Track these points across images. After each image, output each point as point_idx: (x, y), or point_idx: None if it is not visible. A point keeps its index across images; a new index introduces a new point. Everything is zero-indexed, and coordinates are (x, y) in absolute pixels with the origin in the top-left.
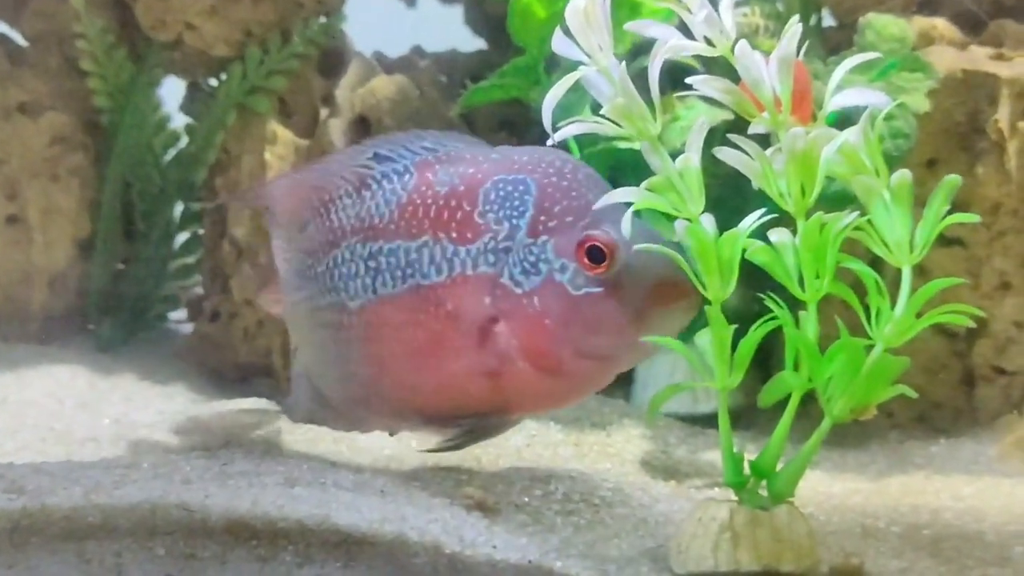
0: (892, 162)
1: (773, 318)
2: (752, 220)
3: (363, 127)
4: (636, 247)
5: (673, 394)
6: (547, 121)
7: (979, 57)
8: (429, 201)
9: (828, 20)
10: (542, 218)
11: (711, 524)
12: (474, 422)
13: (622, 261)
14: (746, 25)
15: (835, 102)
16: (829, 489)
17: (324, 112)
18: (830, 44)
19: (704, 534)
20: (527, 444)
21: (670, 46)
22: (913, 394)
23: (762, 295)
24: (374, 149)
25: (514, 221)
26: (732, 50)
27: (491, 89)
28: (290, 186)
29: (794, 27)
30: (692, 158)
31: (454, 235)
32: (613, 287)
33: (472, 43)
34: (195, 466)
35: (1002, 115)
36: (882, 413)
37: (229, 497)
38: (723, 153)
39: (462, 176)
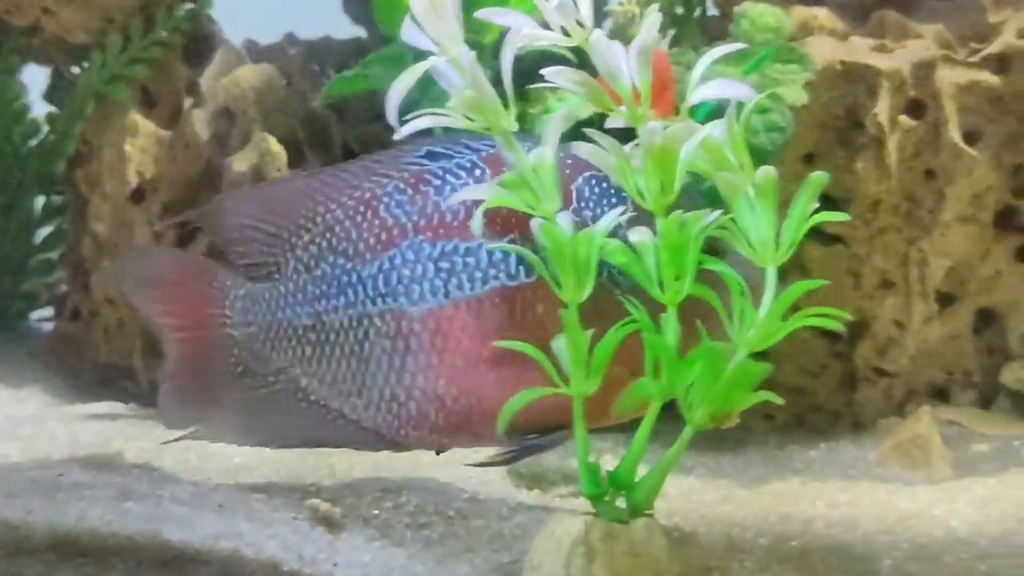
0: (767, 156)
1: (634, 321)
2: (610, 218)
3: (228, 118)
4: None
5: (526, 401)
6: (391, 115)
7: (859, 48)
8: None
9: (714, 10)
10: (633, 213)
11: (564, 538)
12: (554, 435)
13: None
14: (622, 14)
15: (697, 95)
16: (702, 497)
17: (188, 102)
18: (713, 34)
19: (557, 549)
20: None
21: (523, 35)
22: (779, 400)
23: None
24: (427, 147)
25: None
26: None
27: (355, 79)
28: (270, 195)
29: (653, 16)
30: (547, 152)
31: None
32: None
33: (351, 31)
34: (25, 477)
35: (881, 109)
36: (762, 416)
37: (54, 512)
38: (579, 148)
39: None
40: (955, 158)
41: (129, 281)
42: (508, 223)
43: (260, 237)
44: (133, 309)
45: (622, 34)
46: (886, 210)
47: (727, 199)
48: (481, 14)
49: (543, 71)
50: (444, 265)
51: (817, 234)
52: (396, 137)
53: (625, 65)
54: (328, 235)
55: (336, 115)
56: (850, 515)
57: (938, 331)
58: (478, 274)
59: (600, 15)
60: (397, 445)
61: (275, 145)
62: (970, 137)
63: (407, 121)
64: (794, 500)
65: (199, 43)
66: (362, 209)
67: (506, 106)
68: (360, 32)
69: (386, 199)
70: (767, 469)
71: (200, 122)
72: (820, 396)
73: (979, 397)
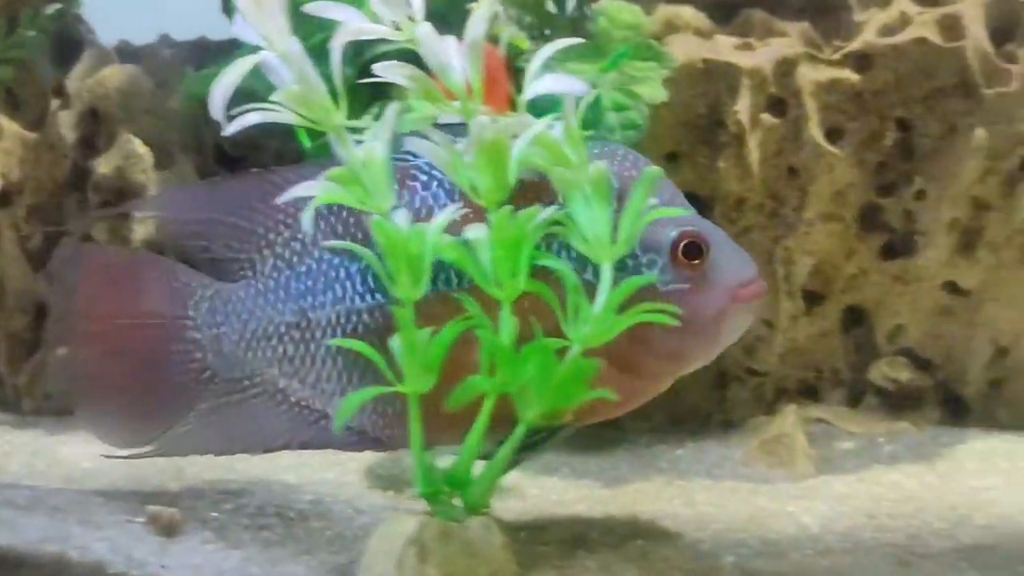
0: None
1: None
2: (446, 215)
3: (94, 119)
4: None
5: (361, 401)
6: (216, 110)
7: (722, 46)
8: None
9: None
10: None
11: (398, 538)
12: (544, 432)
13: (711, 258)
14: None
15: (532, 89)
16: (561, 496)
17: (55, 103)
18: (583, 32)
19: (390, 549)
20: None
21: (351, 30)
22: (614, 398)
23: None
24: (406, 147)
25: None
26: None
27: (212, 77)
28: (240, 190)
29: (482, 8)
30: (377, 148)
31: None
32: (700, 284)
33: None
34: None
35: (742, 107)
36: (636, 416)
37: None
38: (414, 144)
39: (534, 171)
40: (816, 156)
41: (68, 281)
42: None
43: (227, 232)
44: (70, 314)
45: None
46: (750, 208)
47: (562, 194)
48: (309, 8)
49: (374, 67)
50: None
51: None
52: (224, 134)
53: (456, 60)
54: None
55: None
56: (705, 513)
57: (806, 330)
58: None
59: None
60: (381, 444)
61: (140, 147)
62: (832, 135)
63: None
64: (652, 499)
65: (67, 44)
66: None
67: (338, 102)
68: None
69: None
70: (632, 469)
71: (66, 124)
72: (692, 396)
73: (848, 395)
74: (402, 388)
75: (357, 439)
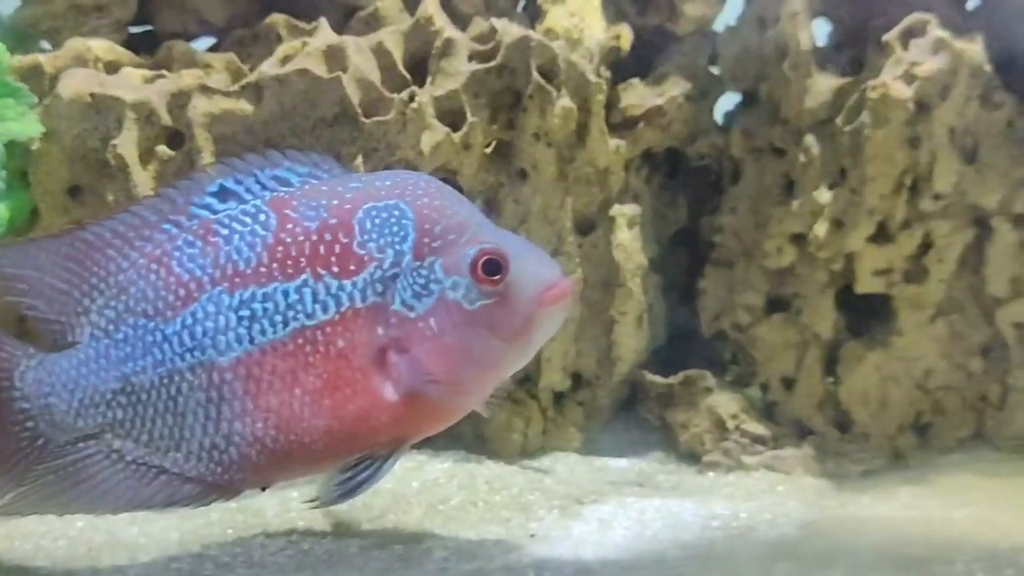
0: None
1: None
2: None
3: None
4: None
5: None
6: None
7: (113, 81)
8: (301, 238)
9: None
10: (425, 240)
11: None
12: (374, 459)
13: (512, 270)
14: None
15: None
16: None
17: None
18: None
19: None
20: None
21: None
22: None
23: None
24: (219, 181)
25: (398, 247)
26: None
27: None
28: (60, 248)
29: None
30: None
31: (336, 269)
32: (506, 296)
33: None
34: None
35: (123, 140)
36: None
37: None
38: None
39: (329, 208)
40: None
41: None
42: (298, 265)
43: (51, 294)
44: None
45: None
46: None
47: None
48: None
49: None
50: (245, 313)
51: None
52: None
53: None
54: (123, 297)
55: None
56: None
57: None
58: (278, 317)
59: None
60: (224, 491)
61: None
62: None
63: None
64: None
65: None
66: (155, 267)
67: None
68: None
69: (177, 254)
70: None
71: None
72: None
73: None
74: None
75: (201, 489)
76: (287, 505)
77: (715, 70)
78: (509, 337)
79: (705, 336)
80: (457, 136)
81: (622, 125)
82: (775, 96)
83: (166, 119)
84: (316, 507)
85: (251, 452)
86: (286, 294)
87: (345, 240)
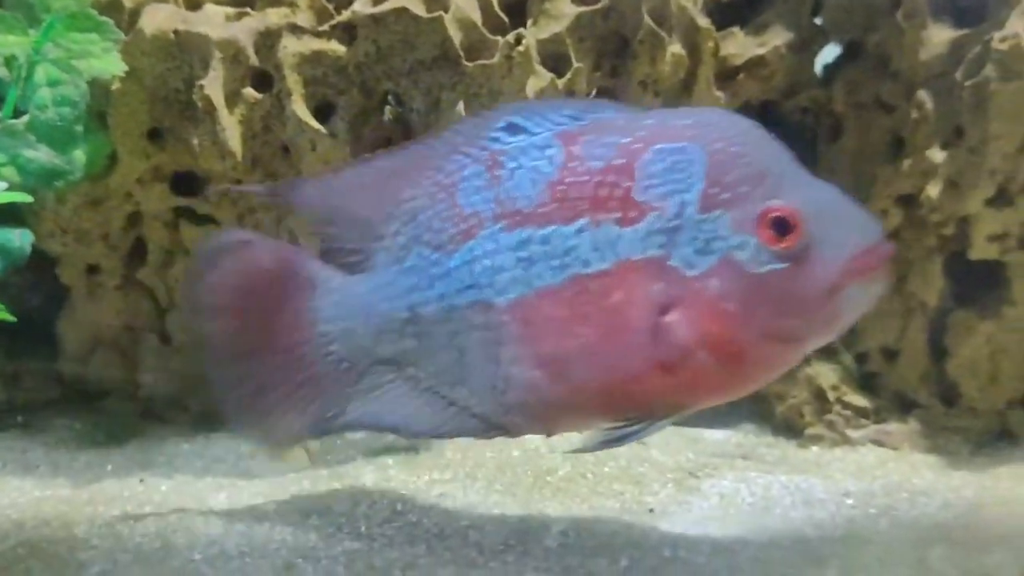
0: (58, 132)
1: None
2: None
3: None
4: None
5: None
6: None
7: (199, 17)
8: (584, 179)
9: None
10: (714, 190)
11: None
12: (646, 419)
13: (809, 231)
14: None
15: None
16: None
17: None
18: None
19: None
20: None
21: None
22: None
23: None
24: (506, 118)
25: (682, 196)
26: None
27: None
28: (360, 178)
29: None
30: None
31: (616, 216)
32: (801, 261)
33: None
34: None
35: (210, 81)
36: (175, 407)
37: None
38: None
39: (617, 147)
40: (301, 132)
41: (204, 269)
42: (578, 208)
43: (349, 224)
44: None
45: None
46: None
47: None
48: None
49: None
50: (523, 254)
51: (190, 214)
52: None
53: None
54: (413, 224)
55: None
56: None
57: None
58: (555, 262)
59: None
60: (507, 431)
61: None
62: (324, 110)
63: None
64: (109, 500)
65: None
66: (443, 196)
67: None
68: None
69: (464, 185)
70: (119, 466)
71: None
72: None
73: None
74: None
75: (485, 426)
76: (386, 473)
77: (817, 20)
78: (802, 309)
79: None
80: (561, 83)
81: (722, 75)
82: (884, 48)
83: (254, 59)
84: (575, 453)
85: (527, 398)
86: (564, 238)
87: (628, 184)
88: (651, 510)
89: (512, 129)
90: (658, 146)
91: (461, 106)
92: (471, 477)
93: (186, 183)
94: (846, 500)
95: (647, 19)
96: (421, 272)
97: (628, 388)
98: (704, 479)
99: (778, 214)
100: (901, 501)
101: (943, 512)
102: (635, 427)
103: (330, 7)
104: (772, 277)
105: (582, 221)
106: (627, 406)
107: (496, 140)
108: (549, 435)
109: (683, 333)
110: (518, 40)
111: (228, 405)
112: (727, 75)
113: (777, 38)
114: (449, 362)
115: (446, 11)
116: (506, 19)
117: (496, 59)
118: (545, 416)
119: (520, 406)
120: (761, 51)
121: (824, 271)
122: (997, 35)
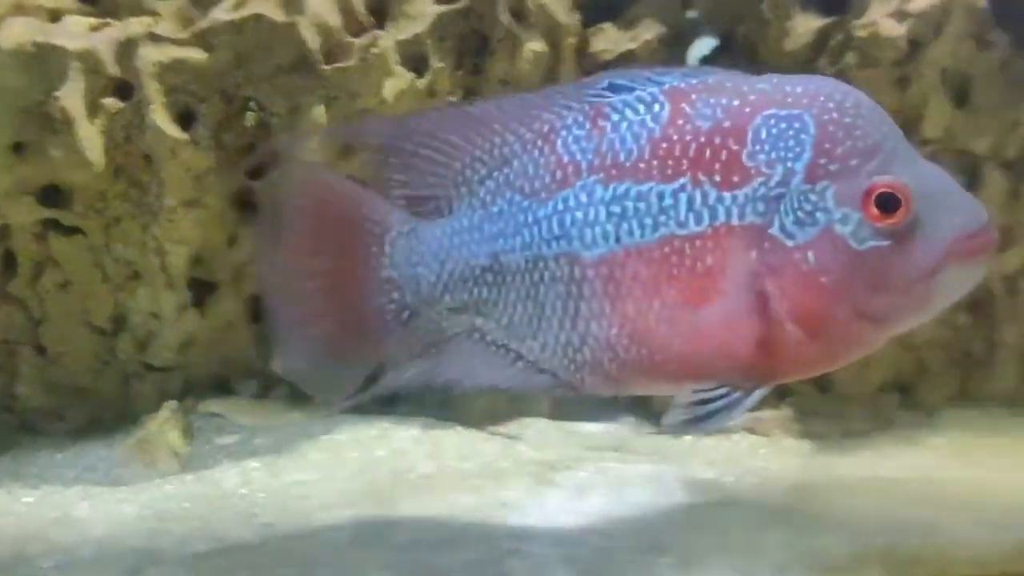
0: None
1: None
2: None
3: None
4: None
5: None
6: None
7: (58, 29)
8: (689, 137)
9: None
10: (822, 161)
11: None
12: (731, 391)
13: (915, 210)
14: None
15: None
16: None
17: None
18: None
19: None
20: None
21: None
22: None
23: None
24: (608, 79)
25: (789, 164)
26: None
27: None
28: (444, 122)
29: None
30: None
31: (718, 178)
32: (904, 240)
33: None
34: None
35: (68, 92)
36: (52, 416)
37: None
38: None
39: (727, 109)
40: (161, 140)
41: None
42: (679, 166)
43: (427, 167)
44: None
45: None
46: (115, 198)
47: None
48: None
49: None
50: (616, 209)
51: (57, 226)
52: None
53: None
54: (505, 169)
55: None
56: None
57: (199, 321)
58: (648, 220)
59: None
60: (574, 388)
61: None
62: (187, 118)
63: None
64: None
65: None
66: (540, 143)
67: None
68: None
69: (564, 133)
70: None
71: None
72: (104, 394)
73: (261, 386)
74: None
75: (552, 382)
76: (249, 476)
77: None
78: (900, 289)
79: None
80: (422, 83)
81: (593, 70)
82: (752, 39)
83: (113, 69)
84: (659, 434)
85: (603, 357)
86: (661, 196)
87: (735, 147)
88: (503, 504)
89: (614, 88)
90: (769, 111)
91: (321, 109)
92: (332, 478)
93: (53, 195)
94: (698, 488)
95: (503, 16)
96: (509, 218)
97: (711, 356)
98: (562, 471)
99: (886, 190)
100: (749, 487)
101: (790, 496)
102: (720, 403)
103: (195, 16)
104: (873, 254)
105: (682, 180)
106: (706, 374)
107: (598, 95)
108: (617, 396)
109: (775, 304)
110: (374, 42)
111: (282, 348)
112: (598, 70)
113: (648, 32)
114: (524, 314)
115: (302, 15)
116: (373, 20)
117: (352, 62)
118: (618, 377)
119: (594, 364)
120: (632, 45)
121: (926, 252)
122: (857, 22)
